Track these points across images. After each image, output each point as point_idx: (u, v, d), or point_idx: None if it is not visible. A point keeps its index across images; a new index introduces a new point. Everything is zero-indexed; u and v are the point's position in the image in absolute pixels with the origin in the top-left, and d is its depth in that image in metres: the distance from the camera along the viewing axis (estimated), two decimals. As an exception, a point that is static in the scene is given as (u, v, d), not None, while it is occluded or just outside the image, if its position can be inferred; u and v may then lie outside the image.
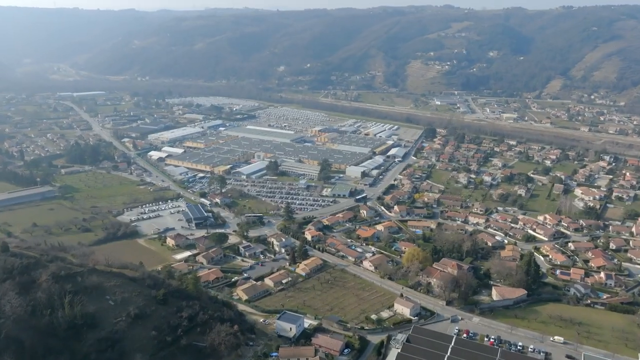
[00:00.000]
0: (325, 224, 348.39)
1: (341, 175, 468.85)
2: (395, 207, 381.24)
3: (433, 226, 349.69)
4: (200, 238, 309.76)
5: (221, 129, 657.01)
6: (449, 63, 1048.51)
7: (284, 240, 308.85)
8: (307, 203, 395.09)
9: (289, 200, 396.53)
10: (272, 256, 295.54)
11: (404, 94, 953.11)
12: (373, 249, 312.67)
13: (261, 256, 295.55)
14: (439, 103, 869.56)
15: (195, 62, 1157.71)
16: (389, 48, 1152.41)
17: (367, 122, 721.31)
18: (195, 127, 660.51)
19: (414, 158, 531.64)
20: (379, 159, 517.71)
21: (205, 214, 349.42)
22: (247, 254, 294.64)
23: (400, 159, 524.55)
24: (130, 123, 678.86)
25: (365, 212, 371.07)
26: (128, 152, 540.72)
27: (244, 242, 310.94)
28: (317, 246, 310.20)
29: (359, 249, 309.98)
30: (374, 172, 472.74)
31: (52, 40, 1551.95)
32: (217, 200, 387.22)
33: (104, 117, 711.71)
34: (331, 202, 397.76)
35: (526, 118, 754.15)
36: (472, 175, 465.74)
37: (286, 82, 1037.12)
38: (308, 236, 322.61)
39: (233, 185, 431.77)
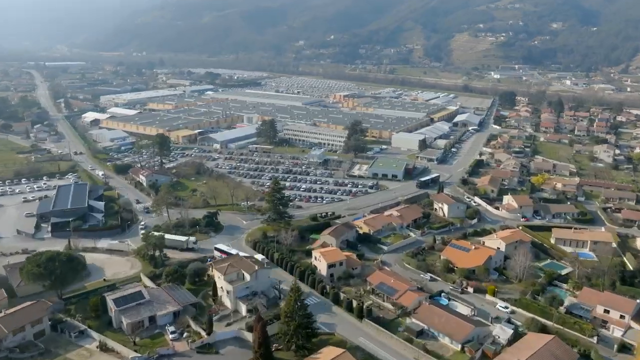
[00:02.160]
0: (362, 231, 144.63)
1: (384, 146, 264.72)
2: (509, 200, 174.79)
3: (612, 242, 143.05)
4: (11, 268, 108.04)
5: (209, 92, 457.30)
6: (503, 34, 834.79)
7: (248, 278, 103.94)
8: (323, 188, 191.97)
9: (288, 182, 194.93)
10: (202, 330, 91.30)
11: (451, 68, 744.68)
12: (500, 305, 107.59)
13: (168, 332, 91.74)
14: (498, 77, 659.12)
15: (201, 36, 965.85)
16: (427, 21, 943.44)
17: (411, 90, 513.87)
18: (177, 90, 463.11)
19: (497, 127, 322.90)
20: (443, 126, 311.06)
21: (85, 206, 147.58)
22: (124, 320, 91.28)
23: (475, 127, 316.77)
24: (92, 87, 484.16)
25: (445, 207, 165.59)
26: (57, 113, 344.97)
27: (146, 283, 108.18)
28: (342, 295, 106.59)
29: (461, 306, 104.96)
30: (440, 143, 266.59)
31: (56, 23, 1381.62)
32: (142, 177, 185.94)
33: (60, 81, 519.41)
34: (370, 187, 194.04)
35: (629, 89, 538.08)
36: (617, 151, 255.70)
37: (305, 56, 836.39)
38: (320, 265, 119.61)
39: (194, 157, 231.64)
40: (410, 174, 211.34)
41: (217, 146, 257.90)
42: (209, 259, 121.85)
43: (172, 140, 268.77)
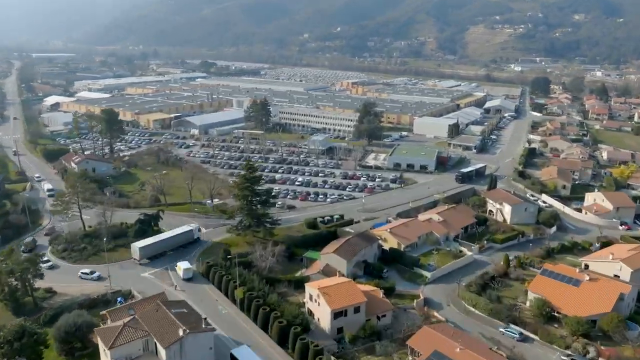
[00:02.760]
0: (387, 246, 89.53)
1: (404, 133, 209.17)
2: (596, 199, 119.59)
3: None
4: None
5: (199, 80, 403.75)
6: (522, 26, 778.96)
7: (164, 356, 48.19)
8: (327, 183, 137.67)
9: (279, 174, 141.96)
10: None
11: (467, 61, 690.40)
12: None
13: None
14: (519, 69, 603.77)
15: (199, 30, 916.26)
16: (439, 14, 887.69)
17: (427, 80, 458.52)
18: (165, 77, 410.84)
19: (537, 114, 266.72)
20: (474, 112, 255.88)
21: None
22: None
23: (512, 113, 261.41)
24: (72, 74, 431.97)
25: (506, 208, 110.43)
26: (16, 97, 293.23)
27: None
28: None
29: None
30: (475, 129, 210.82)
31: (57, 16, 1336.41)
32: (72, 165, 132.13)
33: (39, 69, 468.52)
34: (393, 180, 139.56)
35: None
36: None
37: (309, 49, 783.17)
38: (319, 312, 64.41)
39: (162, 144, 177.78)
40: (444, 164, 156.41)
41: (195, 132, 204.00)
42: (119, 299, 67.42)
43: (142, 124, 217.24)
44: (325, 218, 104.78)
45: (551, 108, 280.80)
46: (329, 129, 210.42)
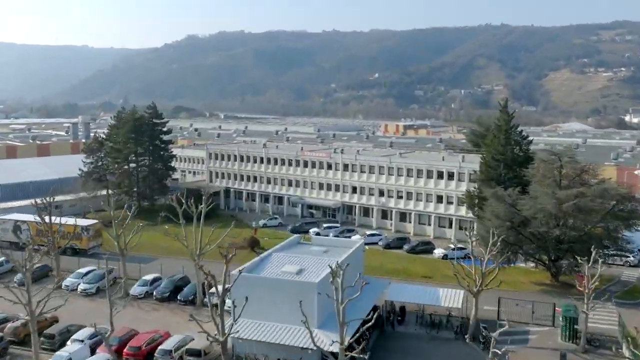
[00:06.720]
0: None
1: None
2: None
3: None
4: None
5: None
6: (623, 69, 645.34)
7: None
8: None
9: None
10: None
11: (555, 112, 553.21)
12: None
13: None
14: (637, 120, 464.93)
15: (200, 79, 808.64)
16: (506, 58, 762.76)
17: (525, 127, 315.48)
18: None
19: None
20: None
21: None
22: None
23: None
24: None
25: None
26: None
27: None
28: None
29: None
30: None
31: (40, 74, 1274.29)
32: None
33: None
34: None
35: None
36: None
37: (337, 99, 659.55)
38: None
39: None
40: None
41: None
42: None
43: None
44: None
45: None
46: (366, 208, 66.82)
